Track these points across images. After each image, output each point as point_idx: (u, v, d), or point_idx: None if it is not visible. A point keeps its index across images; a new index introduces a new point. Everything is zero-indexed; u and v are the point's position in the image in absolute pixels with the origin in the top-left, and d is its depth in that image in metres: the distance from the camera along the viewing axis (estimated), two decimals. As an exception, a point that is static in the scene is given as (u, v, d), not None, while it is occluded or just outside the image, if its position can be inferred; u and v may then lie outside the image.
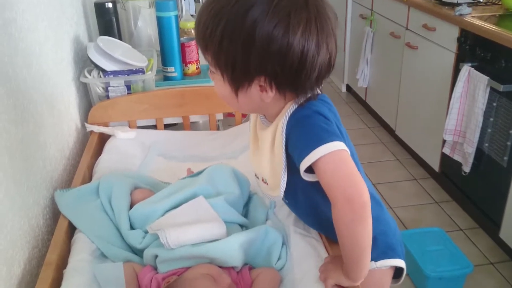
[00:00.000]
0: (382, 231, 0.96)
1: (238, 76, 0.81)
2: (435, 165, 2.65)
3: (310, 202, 0.97)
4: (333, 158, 0.79)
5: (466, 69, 2.20)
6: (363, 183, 0.79)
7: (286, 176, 0.90)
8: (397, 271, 1.04)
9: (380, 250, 0.97)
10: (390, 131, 3.23)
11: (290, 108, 0.86)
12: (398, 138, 3.11)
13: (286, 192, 0.93)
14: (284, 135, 0.86)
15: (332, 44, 0.81)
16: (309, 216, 1.04)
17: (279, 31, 0.75)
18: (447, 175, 2.59)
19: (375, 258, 0.95)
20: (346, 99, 3.93)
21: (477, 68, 2.16)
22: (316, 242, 1.03)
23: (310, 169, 0.82)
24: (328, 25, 0.79)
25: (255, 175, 1.03)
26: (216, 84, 0.87)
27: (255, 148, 1.00)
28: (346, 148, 0.81)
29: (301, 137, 0.83)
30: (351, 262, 0.84)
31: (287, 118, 0.86)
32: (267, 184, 0.98)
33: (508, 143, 2.03)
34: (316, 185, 0.84)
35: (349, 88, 4.03)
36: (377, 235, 0.93)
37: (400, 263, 1.01)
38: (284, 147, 0.87)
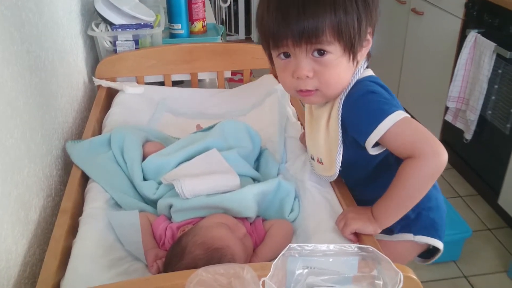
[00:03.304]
0: (429, 207, 0.97)
1: (361, 35, 0.83)
2: (436, 133, 2.66)
3: (364, 174, 0.98)
4: (405, 124, 0.81)
5: (473, 36, 2.19)
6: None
7: (341, 152, 0.91)
8: (428, 252, 1.05)
9: (423, 225, 0.97)
10: (392, 99, 3.23)
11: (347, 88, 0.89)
12: (400, 106, 3.11)
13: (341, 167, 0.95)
14: (340, 111, 0.88)
15: None
16: (361, 185, 1.04)
17: None
18: (448, 143, 2.60)
19: (415, 231, 0.97)
20: (348, 67, 3.90)
21: (484, 35, 2.15)
22: (329, 195, 1.04)
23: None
24: None
25: (311, 157, 1.04)
26: (330, 65, 0.84)
27: (311, 129, 1.01)
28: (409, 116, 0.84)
29: (362, 116, 0.85)
30: (393, 209, 0.85)
31: (343, 97, 0.89)
32: (323, 163, 0.99)
33: (512, 110, 2.04)
34: (374, 157, 0.88)
35: (350, 55, 4.00)
36: (423, 210, 0.96)
37: (438, 244, 1.02)
38: (340, 123, 0.89)
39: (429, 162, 0.80)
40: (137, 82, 1.55)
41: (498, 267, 1.97)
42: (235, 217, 0.99)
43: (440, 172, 0.81)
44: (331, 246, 0.69)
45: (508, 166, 2.07)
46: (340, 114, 0.88)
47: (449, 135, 2.56)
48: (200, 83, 1.74)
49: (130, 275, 0.89)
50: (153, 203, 1.07)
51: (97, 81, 1.48)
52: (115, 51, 1.53)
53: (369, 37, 0.87)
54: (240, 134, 1.20)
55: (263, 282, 0.64)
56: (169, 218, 1.02)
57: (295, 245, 0.68)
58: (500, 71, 2.09)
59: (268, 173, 1.17)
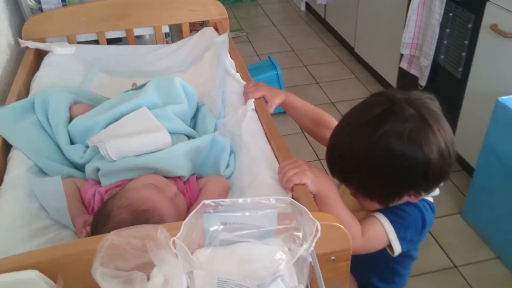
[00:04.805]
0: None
1: (390, 197, 0.90)
2: (393, 81, 2.65)
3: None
4: (380, 235, 0.91)
5: (424, -21, 2.14)
6: None
7: None
8: None
9: None
10: (349, 49, 3.19)
11: None
12: (357, 56, 3.08)
13: None
14: None
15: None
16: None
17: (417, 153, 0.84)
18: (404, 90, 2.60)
19: None
20: (305, 18, 3.82)
21: (435, -23, 2.10)
22: (265, 148, 1.00)
23: None
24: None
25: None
26: (362, 200, 0.94)
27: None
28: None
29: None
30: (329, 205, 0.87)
31: None
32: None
33: (463, 54, 2.02)
34: None
35: (308, 6, 3.91)
36: None
37: None
38: None
39: (357, 242, 0.85)
40: (69, 42, 1.46)
41: (452, 209, 2.00)
42: (167, 177, 0.95)
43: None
44: (248, 200, 0.66)
45: (460, 110, 2.08)
46: None
47: (405, 82, 2.55)
48: (139, 40, 1.66)
49: (56, 243, 0.85)
50: (82, 167, 1.02)
51: (24, 43, 1.39)
52: (40, 10, 1.43)
53: (412, 196, 0.91)
54: (173, 91, 1.15)
55: (174, 242, 0.61)
56: (98, 182, 0.98)
57: (209, 201, 0.65)
58: (451, 14, 2.06)
59: (205, 130, 1.13)
